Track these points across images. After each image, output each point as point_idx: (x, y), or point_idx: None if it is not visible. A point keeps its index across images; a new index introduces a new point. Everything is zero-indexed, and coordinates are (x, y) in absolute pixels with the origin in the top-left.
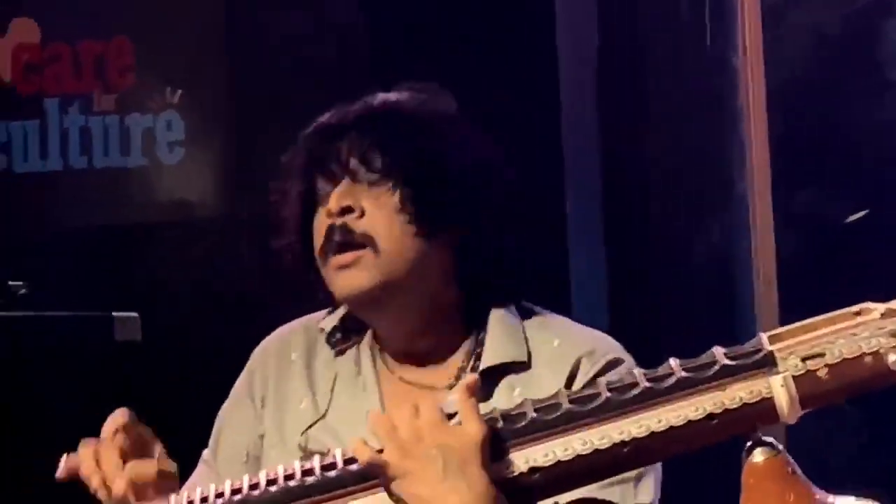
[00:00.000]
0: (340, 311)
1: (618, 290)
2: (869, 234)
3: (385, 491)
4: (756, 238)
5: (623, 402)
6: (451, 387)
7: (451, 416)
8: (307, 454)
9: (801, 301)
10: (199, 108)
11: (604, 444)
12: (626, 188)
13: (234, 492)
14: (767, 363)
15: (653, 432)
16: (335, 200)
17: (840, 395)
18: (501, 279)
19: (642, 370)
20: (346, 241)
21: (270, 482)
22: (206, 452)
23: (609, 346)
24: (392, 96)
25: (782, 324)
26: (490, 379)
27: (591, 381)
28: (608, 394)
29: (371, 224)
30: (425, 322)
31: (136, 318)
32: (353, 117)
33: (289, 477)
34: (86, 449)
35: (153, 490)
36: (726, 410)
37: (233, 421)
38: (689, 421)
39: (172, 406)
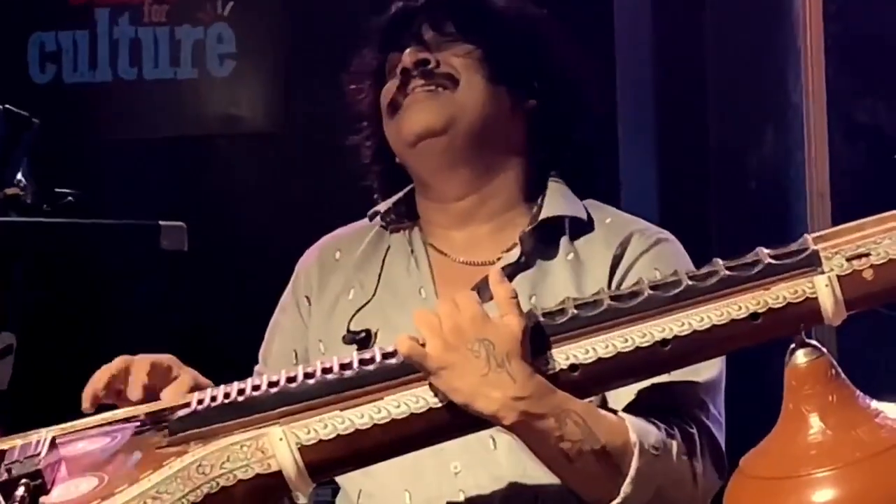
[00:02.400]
0: (394, 198)
1: (670, 201)
2: None
3: (427, 385)
4: (810, 150)
5: (665, 300)
6: (498, 259)
7: None
8: (350, 334)
9: (855, 215)
10: (250, 20)
11: (645, 341)
12: (680, 98)
13: (272, 384)
14: (812, 262)
15: (695, 330)
16: (409, 56)
17: (886, 296)
18: (571, 157)
19: (686, 270)
20: (427, 82)
21: (308, 375)
22: (257, 367)
23: (660, 229)
24: None
25: None
26: (549, 237)
27: (638, 260)
28: (650, 291)
29: (451, 67)
30: (485, 193)
31: (182, 228)
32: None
33: (327, 370)
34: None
35: None
36: (770, 310)
37: (281, 327)
38: (733, 320)
39: (217, 315)
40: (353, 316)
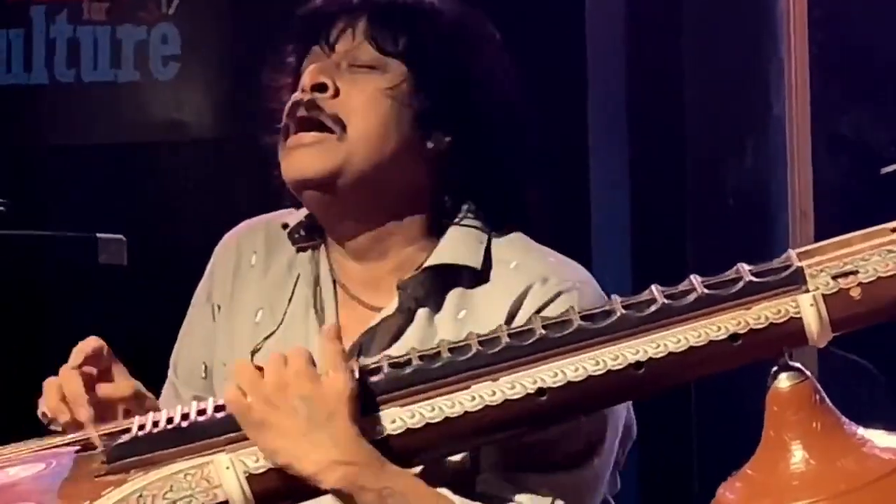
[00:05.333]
0: (304, 209)
1: (643, 219)
2: None
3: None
4: (793, 165)
5: (639, 320)
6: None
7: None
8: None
9: (839, 233)
10: (196, 19)
11: (617, 364)
12: (656, 108)
13: (218, 408)
14: (796, 280)
15: (671, 353)
16: (309, 75)
17: (874, 316)
18: (483, 203)
19: (660, 287)
20: (311, 118)
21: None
22: (170, 373)
23: (569, 276)
24: None
25: None
26: (439, 287)
27: (536, 313)
28: (623, 311)
29: (344, 106)
30: (382, 231)
31: (121, 241)
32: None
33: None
34: (49, 385)
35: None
36: (751, 331)
37: (192, 332)
38: (711, 341)
39: (157, 335)
40: (257, 349)
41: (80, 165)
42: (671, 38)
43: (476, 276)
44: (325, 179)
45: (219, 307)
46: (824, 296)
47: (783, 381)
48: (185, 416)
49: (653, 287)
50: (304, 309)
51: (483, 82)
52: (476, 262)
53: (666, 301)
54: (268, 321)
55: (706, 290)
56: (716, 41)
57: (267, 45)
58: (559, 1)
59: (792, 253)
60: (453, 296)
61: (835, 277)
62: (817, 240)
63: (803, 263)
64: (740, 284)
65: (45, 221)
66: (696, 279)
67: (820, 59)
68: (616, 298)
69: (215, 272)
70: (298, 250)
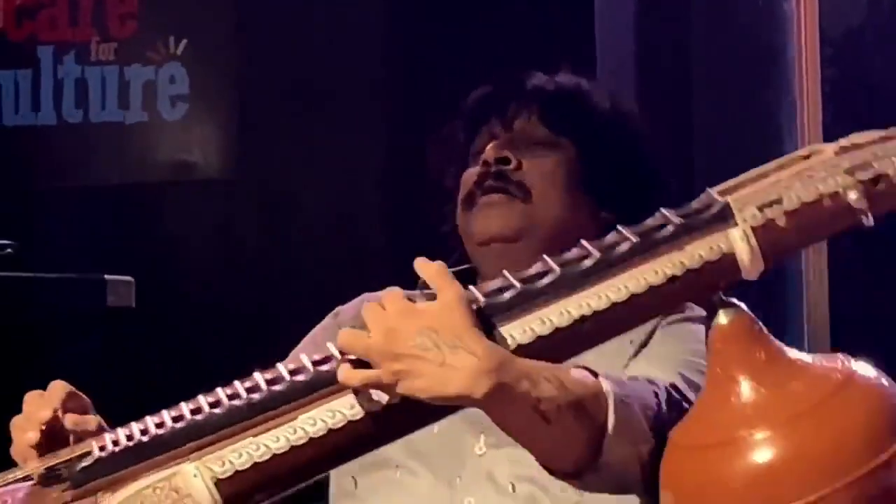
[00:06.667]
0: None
1: None
2: None
3: (343, 398)
4: None
5: (578, 275)
6: None
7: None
8: None
9: (855, 272)
10: (204, 60)
11: (564, 321)
12: (665, 151)
13: (176, 419)
14: (724, 216)
15: (614, 303)
16: (492, 150)
17: (802, 242)
18: None
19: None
20: (500, 186)
21: (213, 404)
22: None
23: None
24: (567, 76)
25: (833, 299)
26: None
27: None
28: (560, 269)
29: (527, 176)
30: None
31: (129, 283)
32: (524, 84)
33: (233, 396)
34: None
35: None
36: (687, 271)
37: (312, 338)
38: (651, 286)
39: (164, 377)
40: None
41: (88, 206)
42: (681, 78)
43: None
44: (513, 236)
45: (340, 325)
46: (753, 228)
47: (722, 317)
48: (143, 431)
49: (583, 241)
50: None
51: (640, 160)
52: None
53: (600, 254)
54: None
55: (637, 238)
56: (726, 82)
57: (274, 85)
58: (568, 55)
59: (711, 191)
60: None
61: (760, 208)
62: (831, 276)
63: (727, 199)
64: (670, 228)
65: (53, 263)
66: (624, 229)
67: (832, 99)
68: (548, 259)
69: (341, 318)
70: None
